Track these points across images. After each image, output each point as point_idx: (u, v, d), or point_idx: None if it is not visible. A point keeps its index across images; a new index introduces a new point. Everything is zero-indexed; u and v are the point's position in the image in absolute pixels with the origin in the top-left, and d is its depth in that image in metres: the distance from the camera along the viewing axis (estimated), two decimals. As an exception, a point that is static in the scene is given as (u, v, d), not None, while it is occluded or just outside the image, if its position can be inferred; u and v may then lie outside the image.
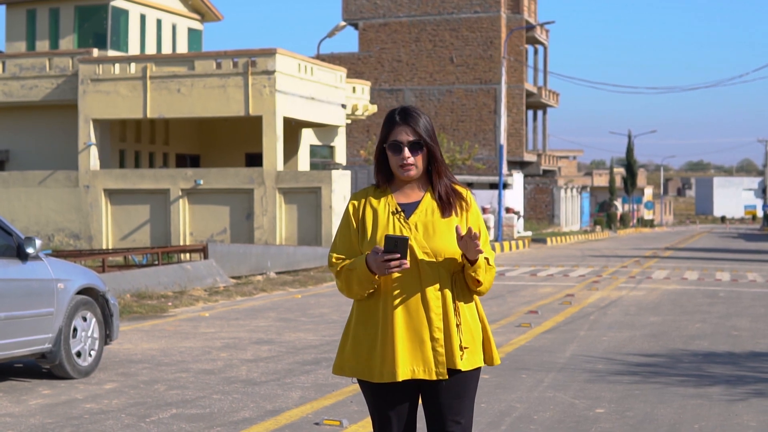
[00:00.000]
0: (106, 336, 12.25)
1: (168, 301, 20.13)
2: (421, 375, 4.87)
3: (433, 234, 4.92)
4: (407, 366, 4.86)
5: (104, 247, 34.38)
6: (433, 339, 4.87)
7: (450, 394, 4.95)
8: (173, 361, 12.77)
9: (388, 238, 4.72)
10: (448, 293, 4.92)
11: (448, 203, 4.99)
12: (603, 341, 14.66)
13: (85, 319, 11.81)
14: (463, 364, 4.91)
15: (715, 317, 18.02)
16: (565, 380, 11.27)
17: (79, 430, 8.85)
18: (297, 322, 17.08)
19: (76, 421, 9.20)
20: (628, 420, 9.24)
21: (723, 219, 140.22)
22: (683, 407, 9.82)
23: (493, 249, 43.53)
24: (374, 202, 5.03)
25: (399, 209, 4.98)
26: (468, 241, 4.79)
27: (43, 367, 11.66)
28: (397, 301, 4.88)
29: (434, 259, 4.90)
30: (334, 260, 5.03)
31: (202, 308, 19.65)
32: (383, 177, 5.07)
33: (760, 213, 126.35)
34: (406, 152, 4.93)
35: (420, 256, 4.89)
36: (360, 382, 5.03)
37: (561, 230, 72.11)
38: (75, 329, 11.60)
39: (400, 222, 4.95)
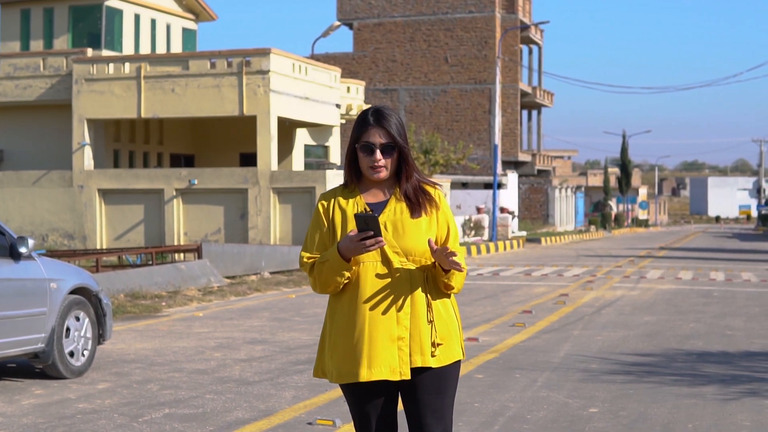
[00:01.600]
0: (99, 336, 12.22)
1: (162, 301, 20.11)
2: (385, 376, 4.85)
3: (402, 233, 4.91)
4: (370, 368, 4.84)
5: (98, 247, 34.36)
6: (400, 338, 4.85)
7: (427, 391, 4.92)
8: (166, 360, 12.75)
9: (357, 216, 4.71)
10: (419, 291, 4.90)
11: (417, 203, 4.97)
12: (597, 341, 14.65)
13: (78, 319, 11.79)
14: (435, 361, 4.89)
15: (709, 317, 18.01)
16: (559, 380, 11.25)
17: (71, 429, 8.83)
18: (291, 322, 17.06)
19: (69, 420, 9.18)
20: (622, 419, 9.23)
21: (717, 219, 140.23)
22: (677, 407, 9.81)
23: (482, 250, 43.56)
24: (342, 202, 5.01)
25: (368, 209, 4.97)
26: (441, 255, 4.81)
27: (35, 366, 11.64)
28: (367, 301, 4.86)
29: (404, 258, 4.89)
30: (305, 260, 5.02)
31: (196, 308, 19.62)
32: (352, 176, 5.05)
33: (754, 213, 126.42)
34: (378, 155, 4.92)
35: (390, 255, 4.88)
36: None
37: (555, 230, 72.12)
38: (68, 329, 11.58)
39: None
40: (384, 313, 4.86)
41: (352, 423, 5.14)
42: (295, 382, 11.08)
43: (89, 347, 11.91)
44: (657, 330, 16.01)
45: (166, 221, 34.17)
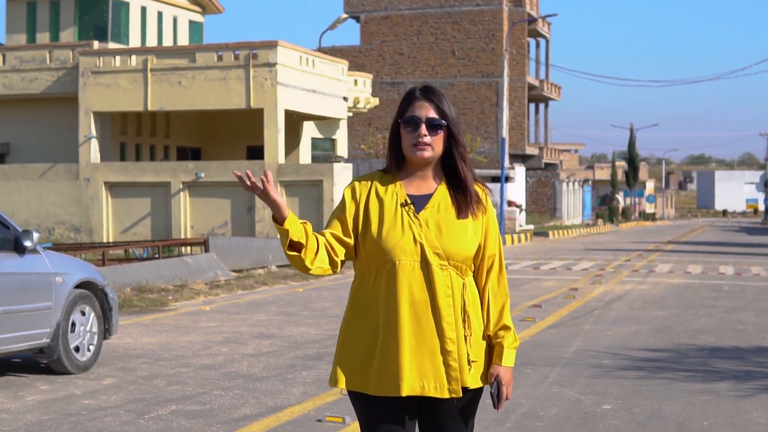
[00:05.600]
0: (105, 330, 12.08)
1: (168, 294, 19.99)
2: (431, 392, 4.37)
3: (446, 234, 4.39)
4: (414, 380, 4.35)
5: (105, 240, 34.25)
6: (445, 351, 4.36)
7: (452, 412, 4.46)
8: (173, 355, 12.61)
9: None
10: (459, 301, 4.40)
11: (465, 202, 4.45)
12: (608, 336, 14.51)
13: (83, 314, 11.65)
14: (472, 380, 4.43)
15: (720, 311, 17.87)
16: (571, 376, 11.11)
17: (77, 427, 8.69)
18: (298, 316, 16.93)
19: (74, 417, 9.04)
20: (636, 416, 9.08)
21: (725, 213, 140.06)
22: (691, 403, 9.66)
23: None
24: (380, 189, 4.47)
25: (408, 201, 4.43)
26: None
27: (40, 361, 11.50)
28: (403, 306, 4.35)
29: (445, 262, 4.38)
30: None
31: (203, 302, 19.51)
32: (393, 161, 4.51)
33: (761, 207, 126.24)
34: (423, 129, 4.37)
35: (430, 257, 4.36)
36: (352, 393, 4.48)
37: (563, 224, 71.97)
38: (73, 324, 11.44)
39: (410, 216, 4.40)
40: (426, 320, 4.37)
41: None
42: (304, 378, 10.94)
43: (95, 342, 11.77)
44: (668, 325, 15.87)
45: (172, 214, 34.04)
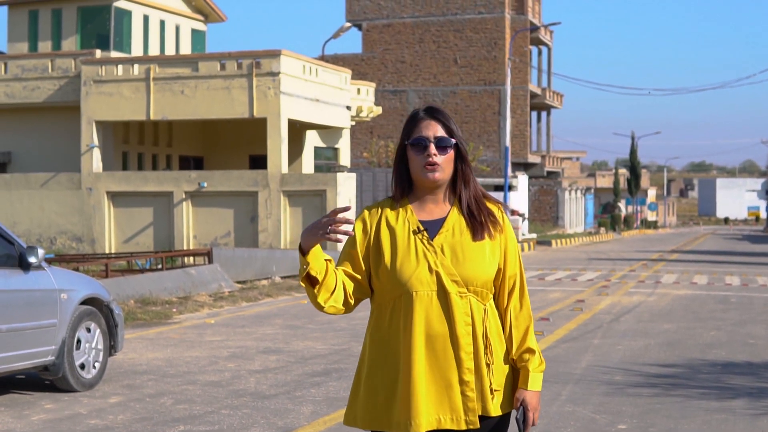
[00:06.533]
0: (111, 347, 11.91)
1: (173, 307, 19.83)
2: (448, 425, 4.22)
3: (463, 259, 4.25)
4: (432, 414, 4.21)
5: (107, 250, 34.12)
6: (462, 382, 4.22)
7: None
8: (179, 372, 12.44)
9: None
10: (480, 328, 4.25)
11: (479, 223, 4.30)
12: (618, 350, 14.34)
13: (89, 330, 11.49)
14: (495, 409, 4.28)
15: (729, 324, 17.70)
16: (584, 393, 10.93)
17: (83, 448, 8.53)
18: (304, 330, 16.76)
19: (81, 438, 8.88)
20: (653, 437, 8.92)
21: (726, 220, 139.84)
22: (707, 423, 9.50)
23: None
24: (391, 219, 4.33)
25: (421, 228, 4.29)
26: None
27: (45, 379, 11.33)
28: (418, 340, 4.21)
29: (464, 289, 4.24)
30: None
31: (207, 314, 19.34)
32: (401, 188, 4.37)
33: (763, 214, 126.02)
34: (432, 148, 4.24)
35: (448, 285, 4.22)
36: None
37: (565, 232, 71.78)
38: (79, 341, 11.28)
39: (424, 244, 4.26)
40: (443, 352, 4.22)
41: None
42: (313, 396, 10.77)
43: (100, 359, 11.61)
44: (678, 338, 15.70)
45: (175, 224, 33.91)
